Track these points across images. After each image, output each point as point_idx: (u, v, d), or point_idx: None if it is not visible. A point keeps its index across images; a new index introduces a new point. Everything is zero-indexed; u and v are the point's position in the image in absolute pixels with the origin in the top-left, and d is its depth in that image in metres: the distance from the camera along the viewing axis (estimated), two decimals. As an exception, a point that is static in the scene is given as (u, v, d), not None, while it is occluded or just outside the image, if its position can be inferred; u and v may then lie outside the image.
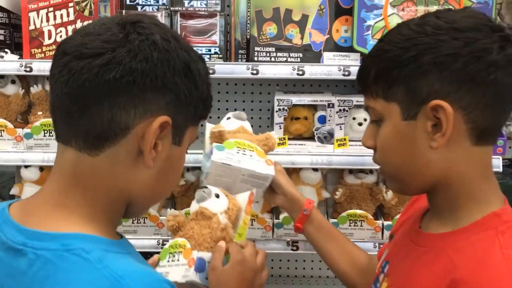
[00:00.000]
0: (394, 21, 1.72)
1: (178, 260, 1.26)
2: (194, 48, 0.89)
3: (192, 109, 0.86)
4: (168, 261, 1.28)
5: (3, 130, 1.73)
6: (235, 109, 2.17)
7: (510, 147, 2.14)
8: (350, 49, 1.75)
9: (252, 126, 1.61)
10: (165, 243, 1.71)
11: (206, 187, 1.34)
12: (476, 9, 0.94)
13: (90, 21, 1.47)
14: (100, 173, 0.81)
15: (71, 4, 1.74)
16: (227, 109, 2.17)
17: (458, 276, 0.88)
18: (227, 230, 1.25)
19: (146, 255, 2.02)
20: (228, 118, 1.54)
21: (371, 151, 1.09)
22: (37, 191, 0.86)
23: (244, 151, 1.40)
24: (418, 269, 0.98)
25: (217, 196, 1.32)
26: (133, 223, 1.75)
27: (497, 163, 1.65)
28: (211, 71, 1.62)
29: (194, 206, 1.34)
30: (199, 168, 1.75)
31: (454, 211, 0.96)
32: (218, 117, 2.09)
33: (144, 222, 1.76)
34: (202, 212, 1.30)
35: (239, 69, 1.67)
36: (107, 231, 0.82)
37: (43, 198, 0.84)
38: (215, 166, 1.38)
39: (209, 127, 1.50)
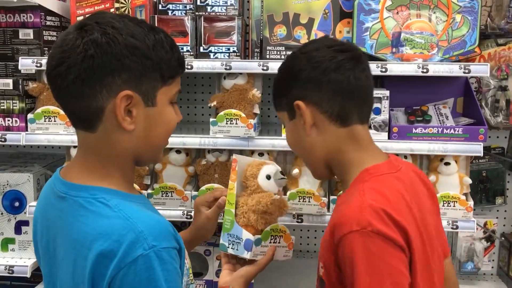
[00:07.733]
0: (389, 24, 1.91)
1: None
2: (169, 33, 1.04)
3: (156, 75, 1.04)
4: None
5: (56, 116, 1.96)
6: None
7: (497, 137, 2.31)
8: (352, 48, 1.94)
9: (269, 116, 1.74)
10: (189, 214, 1.93)
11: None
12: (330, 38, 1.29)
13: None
14: (102, 143, 1.06)
15: (112, 10, 1.97)
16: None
17: (333, 222, 1.13)
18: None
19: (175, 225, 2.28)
20: (268, 178, 1.54)
21: None
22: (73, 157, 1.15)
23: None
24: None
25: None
26: (162, 196, 1.96)
27: (478, 148, 1.81)
28: (228, 67, 1.85)
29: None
30: (218, 150, 2.00)
31: (344, 176, 1.26)
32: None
33: (172, 196, 1.96)
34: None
35: (252, 65, 1.85)
36: (122, 185, 1.08)
37: (75, 161, 1.12)
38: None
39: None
